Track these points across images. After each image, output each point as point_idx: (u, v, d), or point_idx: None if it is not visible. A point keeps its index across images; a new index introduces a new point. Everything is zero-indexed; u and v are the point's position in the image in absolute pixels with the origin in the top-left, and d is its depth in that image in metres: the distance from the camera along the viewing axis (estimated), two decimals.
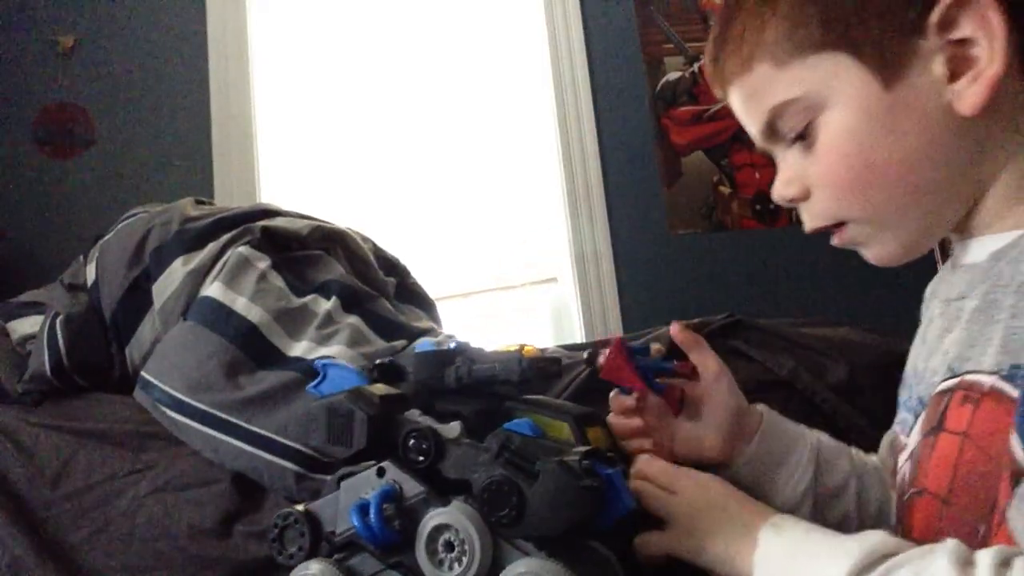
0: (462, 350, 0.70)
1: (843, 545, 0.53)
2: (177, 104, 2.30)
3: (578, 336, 2.30)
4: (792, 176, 0.63)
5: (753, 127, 0.65)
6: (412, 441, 0.64)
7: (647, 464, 0.68)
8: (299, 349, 1.22)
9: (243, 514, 1.10)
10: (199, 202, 1.56)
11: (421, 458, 0.64)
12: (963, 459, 0.54)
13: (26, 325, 1.35)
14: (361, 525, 0.62)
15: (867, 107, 0.58)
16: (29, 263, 2.07)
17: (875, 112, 0.58)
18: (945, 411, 0.57)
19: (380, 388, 0.69)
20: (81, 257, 1.49)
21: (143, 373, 1.23)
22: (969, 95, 0.56)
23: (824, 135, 0.60)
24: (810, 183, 0.62)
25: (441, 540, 0.60)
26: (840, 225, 0.63)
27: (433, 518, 0.61)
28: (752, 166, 2.42)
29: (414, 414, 0.67)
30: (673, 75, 2.49)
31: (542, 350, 0.72)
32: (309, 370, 1.17)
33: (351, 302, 1.33)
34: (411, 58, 2.50)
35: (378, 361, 0.71)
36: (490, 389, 0.69)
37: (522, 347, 0.68)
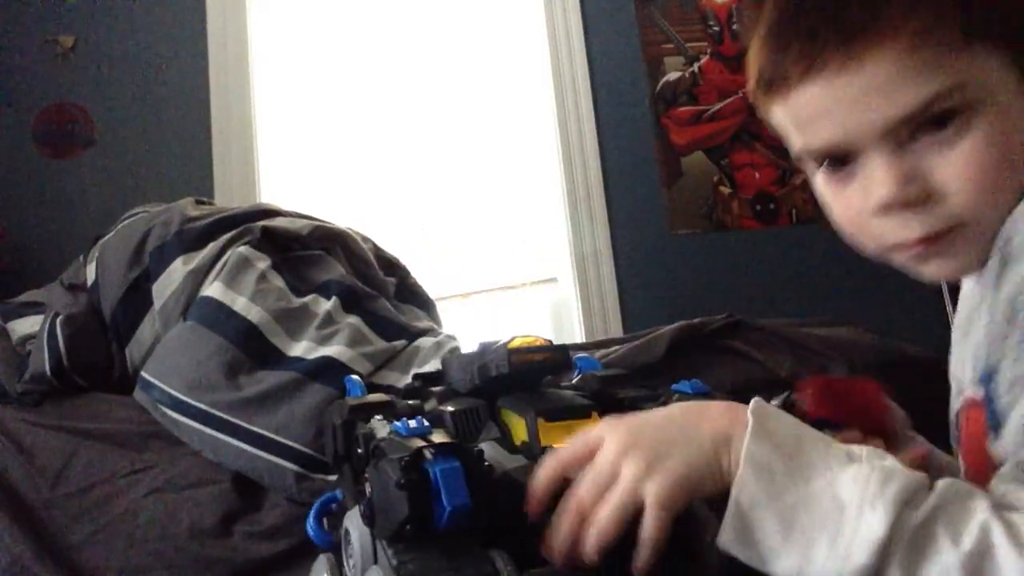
0: (484, 351, 0.67)
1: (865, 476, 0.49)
2: (177, 104, 2.30)
3: (578, 336, 2.30)
4: (913, 175, 0.56)
5: (872, 116, 0.56)
6: (356, 447, 0.63)
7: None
8: (299, 349, 1.22)
9: (243, 514, 1.10)
10: (199, 202, 1.56)
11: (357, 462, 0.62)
12: (968, 476, 0.56)
13: (26, 325, 1.35)
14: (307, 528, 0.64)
15: (1016, 106, 0.56)
16: (29, 263, 2.07)
17: (1019, 111, 0.56)
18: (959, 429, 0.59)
19: (364, 398, 0.68)
20: (81, 257, 1.49)
21: (143, 373, 1.23)
22: None
23: (976, 130, 0.55)
24: (939, 182, 0.56)
25: (344, 542, 0.62)
26: (942, 235, 0.58)
27: (344, 522, 0.62)
28: (752, 166, 2.42)
29: (374, 421, 0.63)
30: (673, 75, 2.48)
31: (547, 342, 0.67)
32: (309, 370, 1.17)
33: (351, 302, 1.33)
34: (411, 58, 2.50)
35: (417, 371, 0.69)
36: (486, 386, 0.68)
37: (511, 339, 0.66)
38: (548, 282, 2.43)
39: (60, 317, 1.29)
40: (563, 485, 0.55)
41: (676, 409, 0.57)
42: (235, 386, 1.16)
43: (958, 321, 0.66)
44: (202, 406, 1.15)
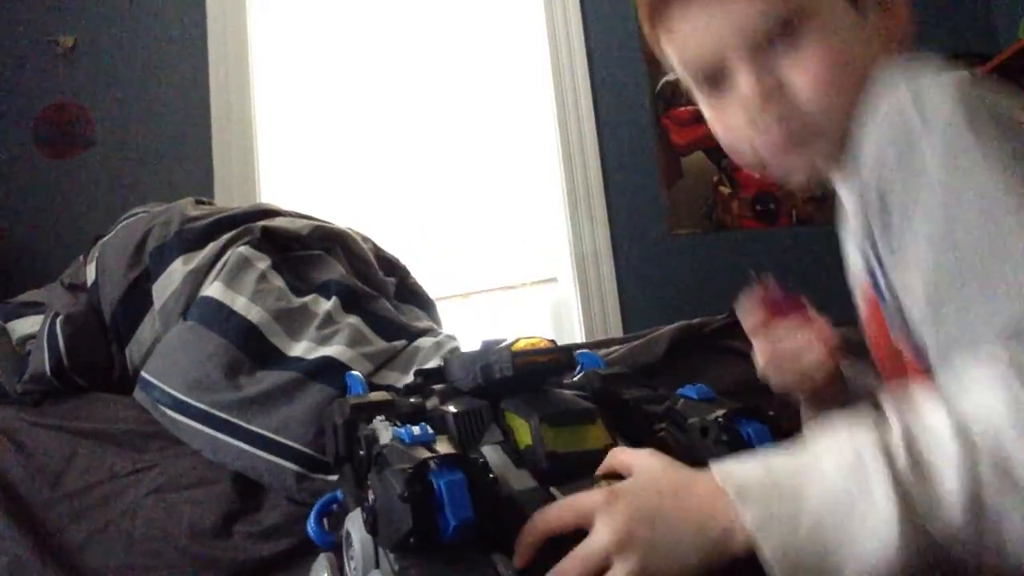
0: (487, 350, 0.67)
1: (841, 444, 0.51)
2: (177, 104, 2.30)
3: (578, 336, 2.30)
4: (769, 72, 0.68)
5: (734, 25, 0.68)
6: (358, 449, 0.62)
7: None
8: (299, 349, 1.22)
9: (243, 514, 1.10)
10: (199, 202, 1.56)
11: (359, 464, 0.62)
12: (874, 353, 0.77)
13: (26, 325, 1.35)
14: (307, 528, 0.64)
15: (845, 22, 0.68)
16: (29, 263, 2.07)
17: (851, 25, 0.68)
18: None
19: (365, 396, 0.68)
20: (81, 257, 1.49)
21: (143, 373, 1.23)
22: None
23: (816, 36, 0.67)
24: (790, 78, 0.67)
25: (346, 544, 0.61)
26: (798, 136, 0.69)
27: (346, 523, 0.62)
28: None
29: (377, 422, 0.63)
30: (673, 75, 2.48)
31: (550, 343, 0.67)
32: (309, 370, 1.17)
33: (351, 302, 1.33)
34: (411, 59, 2.50)
35: (419, 368, 0.69)
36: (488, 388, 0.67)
37: (515, 341, 0.66)
38: (548, 282, 2.43)
39: (60, 317, 1.29)
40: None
41: (664, 484, 0.54)
42: (235, 386, 1.16)
43: (841, 224, 0.80)
44: (202, 406, 1.14)
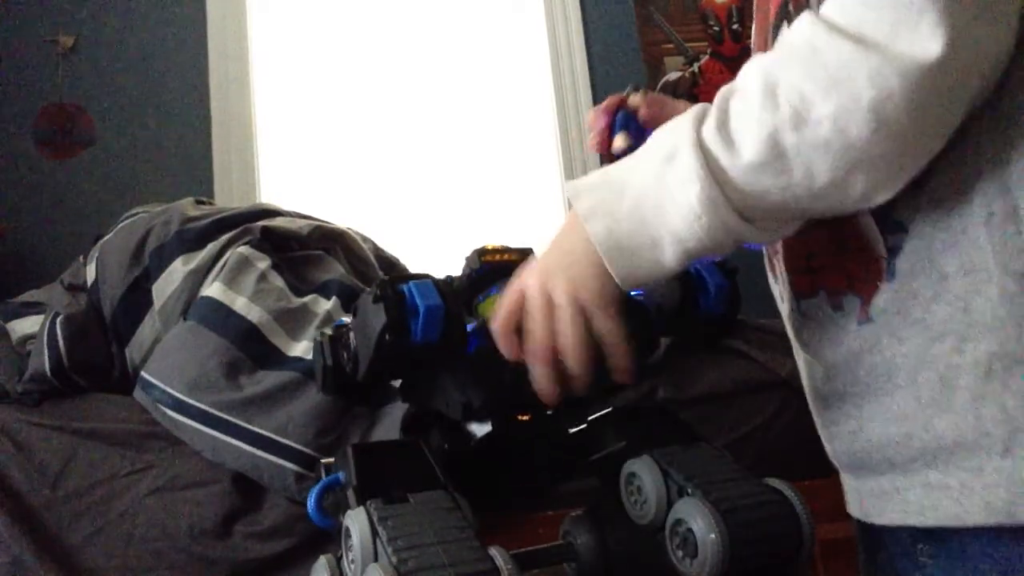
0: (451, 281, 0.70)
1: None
2: (177, 104, 2.30)
3: None
4: None
5: None
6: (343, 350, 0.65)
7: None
8: (299, 349, 1.22)
9: (243, 514, 1.10)
10: (199, 202, 1.57)
11: None
12: None
13: (26, 325, 1.35)
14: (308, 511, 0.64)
15: None
16: (29, 263, 2.07)
17: None
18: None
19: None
20: (81, 257, 1.49)
21: (143, 373, 1.23)
22: None
23: None
24: None
25: (344, 540, 0.62)
26: None
27: (345, 520, 0.60)
28: None
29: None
30: (673, 75, 2.48)
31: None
32: (309, 370, 1.17)
33: (351, 302, 1.33)
34: (411, 59, 2.50)
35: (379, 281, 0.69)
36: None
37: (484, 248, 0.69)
38: None
39: (60, 317, 1.29)
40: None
41: (558, 231, 0.59)
42: (235, 386, 1.16)
43: None
44: (202, 406, 1.14)
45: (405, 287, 0.59)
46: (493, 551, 0.53)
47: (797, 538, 0.57)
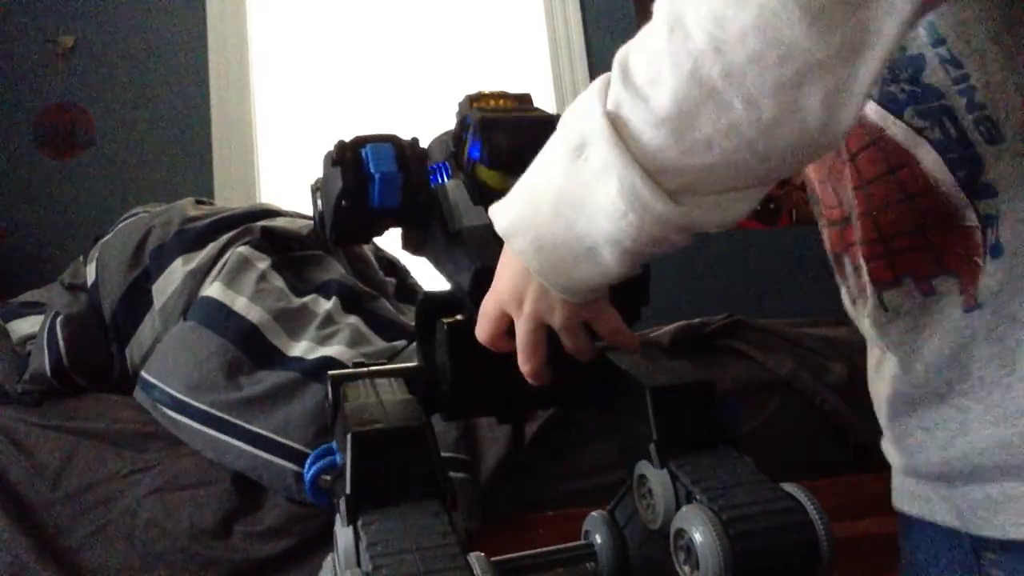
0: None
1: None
2: (177, 104, 2.30)
3: None
4: None
5: None
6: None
7: None
8: (299, 349, 1.22)
9: (243, 514, 1.10)
10: (199, 202, 1.57)
11: None
12: None
13: (26, 325, 1.35)
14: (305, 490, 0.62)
15: None
16: (29, 263, 2.07)
17: None
18: None
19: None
20: (81, 257, 1.49)
21: (143, 373, 1.23)
22: None
23: None
24: None
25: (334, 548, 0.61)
26: None
27: (335, 528, 0.59)
28: None
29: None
30: None
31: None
32: (309, 370, 1.17)
33: (351, 302, 1.33)
34: (412, 59, 2.50)
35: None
36: None
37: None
38: None
39: (60, 317, 1.30)
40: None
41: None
42: (235, 386, 1.16)
43: None
44: (202, 406, 1.15)
45: (364, 151, 0.58)
46: (472, 558, 0.51)
47: (813, 549, 0.52)
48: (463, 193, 0.64)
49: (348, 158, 0.58)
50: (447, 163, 0.67)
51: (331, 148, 0.59)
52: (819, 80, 0.38)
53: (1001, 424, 0.48)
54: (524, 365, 0.53)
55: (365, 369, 0.65)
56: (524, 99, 0.65)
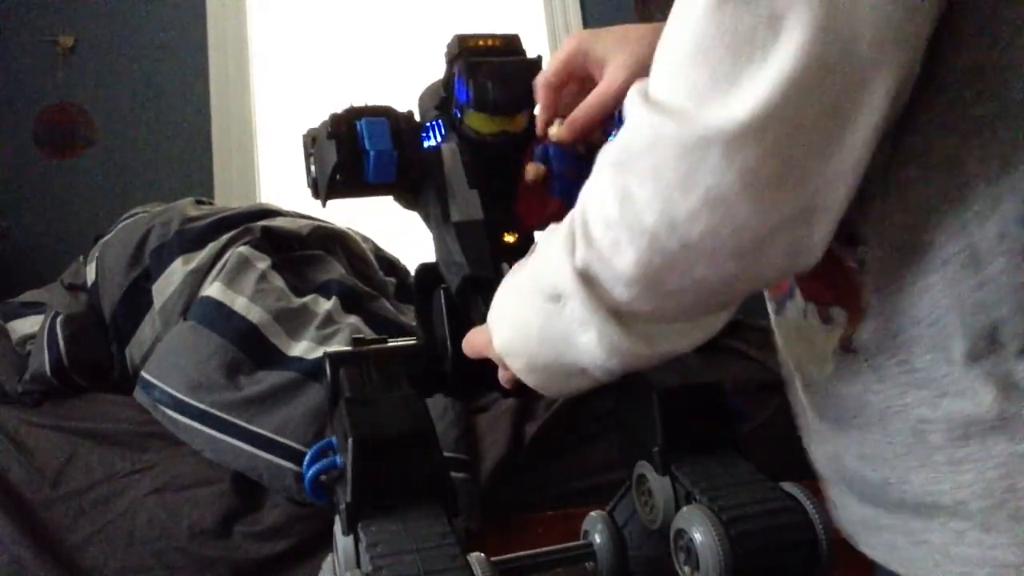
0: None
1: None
2: (177, 104, 2.30)
3: None
4: None
5: None
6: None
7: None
8: (299, 349, 1.22)
9: (243, 514, 1.10)
10: (199, 202, 1.57)
11: None
12: None
13: (26, 325, 1.35)
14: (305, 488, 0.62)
15: None
16: (29, 263, 2.07)
17: None
18: None
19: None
20: (81, 257, 1.49)
21: (143, 373, 1.23)
22: None
23: None
24: None
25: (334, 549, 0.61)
26: None
27: (334, 530, 0.60)
28: None
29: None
30: None
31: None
32: (309, 370, 1.17)
33: (351, 302, 1.33)
34: (412, 59, 2.50)
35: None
36: None
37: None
38: None
39: (60, 317, 1.30)
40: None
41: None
42: (235, 386, 1.16)
43: None
44: (202, 406, 1.15)
45: (360, 124, 0.59)
46: (472, 558, 0.51)
47: (812, 549, 0.53)
48: (458, 167, 0.64)
49: (343, 132, 0.58)
50: (440, 120, 0.67)
51: (326, 118, 0.60)
52: (777, 239, 0.39)
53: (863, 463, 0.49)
54: (503, 383, 0.56)
55: (364, 348, 0.64)
56: (511, 40, 0.67)
